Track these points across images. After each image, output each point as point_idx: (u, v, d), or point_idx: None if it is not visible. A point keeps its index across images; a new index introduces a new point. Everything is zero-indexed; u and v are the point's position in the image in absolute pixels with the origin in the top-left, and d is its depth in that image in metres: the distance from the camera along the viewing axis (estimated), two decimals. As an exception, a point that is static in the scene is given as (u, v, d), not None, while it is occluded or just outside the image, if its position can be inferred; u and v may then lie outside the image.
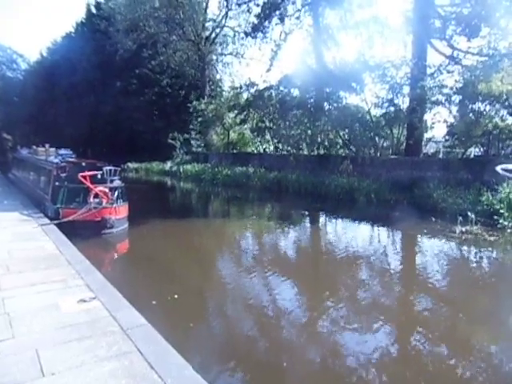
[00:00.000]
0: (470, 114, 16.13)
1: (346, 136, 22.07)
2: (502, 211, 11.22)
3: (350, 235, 11.83)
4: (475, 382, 4.14)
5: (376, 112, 20.99)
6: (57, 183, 10.75)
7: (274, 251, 10.15)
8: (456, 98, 17.35)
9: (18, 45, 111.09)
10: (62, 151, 14.85)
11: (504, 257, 9.27)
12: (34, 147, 16.45)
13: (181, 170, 29.44)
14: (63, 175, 10.93)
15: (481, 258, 9.35)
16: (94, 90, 37.93)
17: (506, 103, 14.59)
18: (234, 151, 30.44)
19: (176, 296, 6.06)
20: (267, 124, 25.95)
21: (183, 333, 5.01)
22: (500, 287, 7.27)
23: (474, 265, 8.93)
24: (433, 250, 9.79)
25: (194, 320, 5.49)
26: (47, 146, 14.59)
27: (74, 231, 8.71)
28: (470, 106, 16.32)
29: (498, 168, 2.69)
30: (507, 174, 2.74)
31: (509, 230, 10.53)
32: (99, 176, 10.59)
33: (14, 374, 2.97)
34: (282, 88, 24.67)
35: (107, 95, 36.58)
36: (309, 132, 22.84)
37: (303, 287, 7.20)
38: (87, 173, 10.24)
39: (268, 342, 5.08)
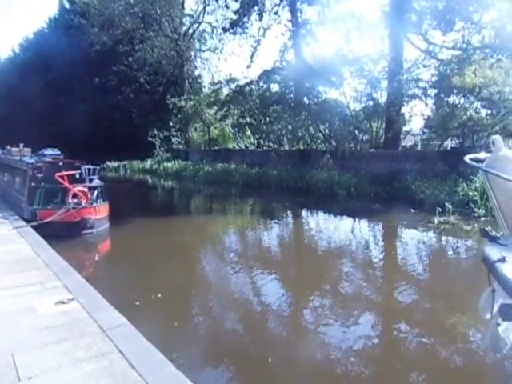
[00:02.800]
0: (446, 107, 16.48)
1: (327, 130, 22.24)
2: (475, 199, 11.55)
3: (332, 229, 11.96)
4: (453, 364, 4.26)
5: (355, 106, 21.25)
6: (33, 184, 10.45)
7: (257, 246, 10.17)
8: (432, 92, 17.72)
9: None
10: (48, 151, 13.74)
11: (478, 246, 9.51)
12: (8, 147, 15.93)
13: (161, 167, 29.13)
14: (39, 175, 10.63)
15: (457, 247, 9.60)
16: (71, 87, 37.03)
17: (480, 96, 14.95)
18: (215, 148, 30.30)
19: (160, 295, 5.99)
20: (248, 120, 25.89)
21: (168, 332, 4.97)
22: (474, 275, 7.48)
23: (451, 254, 9.15)
24: (412, 241, 10.00)
25: (178, 319, 5.45)
26: (21, 145, 14.12)
27: (52, 233, 8.49)
28: (445, 99, 16.68)
29: (466, 158, 2.78)
30: (475, 164, 2.82)
31: (483, 219, 10.82)
32: (77, 175, 10.35)
33: (-11, 380, 2.88)
34: (261, 84, 24.66)
35: (84, 93, 35.80)
36: (289, 127, 22.91)
37: (287, 281, 7.23)
38: (64, 172, 9.99)
39: (253, 337, 5.08)
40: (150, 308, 5.63)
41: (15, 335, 3.57)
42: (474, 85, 14.15)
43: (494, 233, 2.39)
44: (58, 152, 13.50)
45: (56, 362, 3.13)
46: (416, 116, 18.93)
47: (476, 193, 11.87)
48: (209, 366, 4.37)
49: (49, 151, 13.71)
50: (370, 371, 4.21)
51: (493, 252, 2.22)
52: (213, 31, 34.94)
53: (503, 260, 2.11)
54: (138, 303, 5.62)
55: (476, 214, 11.13)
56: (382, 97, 19.79)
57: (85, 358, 3.19)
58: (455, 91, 15.67)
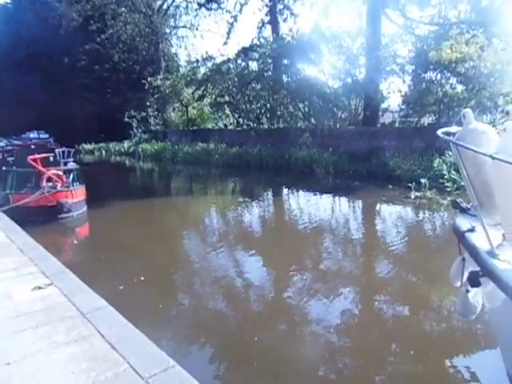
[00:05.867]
0: (423, 83, 16.62)
1: (306, 108, 22.17)
2: (445, 175, 11.83)
3: (312, 206, 12.09)
4: (431, 335, 4.45)
5: (334, 83, 21.18)
6: (4, 168, 10.12)
7: (238, 226, 10.21)
8: (409, 68, 17.81)
9: None
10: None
11: (451, 219, 9.81)
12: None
13: (139, 149, 28.58)
14: (10, 159, 10.29)
15: (432, 220, 9.90)
16: (39, 66, 35.42)
17: (455, 71, 15.12)
18: (194, 128, 29.84)
19: (142, 278, 5.97)
20: (226, 99, 25.53)
21: (153, 315, 4.98)
22: (448, 246, 7.75)
23: (426, 227, 9.43)
24: (390, 216, 10.24)
25: (162, 301, 5.46)
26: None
27: (27, 218, 8.29)
28: (422, 75, 16.81)
29: (439, 132, 2.82)
30: (446, 137, 2.87)
31: (455, 192, 11.11)
32: (51, 159, 10.07)
33: (-35, 367, 2.83)
34: (239, 61, 24.22)
35: (54, 73, 34.35)
36: (268, 105, 22.73)
37: (269, 259, 7.32)
38: (37, 156, 9.69)
39: (238, 316, 5.15)
40: (133, 292, 5.60)
41: (-9, 322, 3.50)
42: (450, 60, 14.28)
43: (464, 204, 2.45)
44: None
45: (35, 346, 3.09)
46: (394, 93, 19.09)
47: (448, 167, 12.17)
48: (194, 346, 4.42)
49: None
50: (351, 342, 4.35)
51: (463, 223, 2.29)
52: (187, 7, 33.87)
53: (472, 230, 2.18)
54: (121, 287, 5.58)
55: (449, 189, 11.42)
56: (361, 73, 19.81)
57: (64, 341, 3.16)
58: (432, 67, 15.81)
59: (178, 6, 35.03)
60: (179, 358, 3.15)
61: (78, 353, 2.99)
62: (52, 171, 9.73)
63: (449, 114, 17.19)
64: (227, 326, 4.89)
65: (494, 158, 1.89)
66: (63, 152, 10.42)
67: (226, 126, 28.89)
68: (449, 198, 10.61)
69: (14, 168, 9.99)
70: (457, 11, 17.03)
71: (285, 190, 15.00)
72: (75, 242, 9.26)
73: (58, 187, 9.67)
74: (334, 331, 4.49)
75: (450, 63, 14.54)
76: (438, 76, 16.39)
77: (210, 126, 30.07)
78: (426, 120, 19.75)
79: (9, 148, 10.66)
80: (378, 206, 11.56)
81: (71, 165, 10.65)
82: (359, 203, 12.38)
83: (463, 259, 2.26)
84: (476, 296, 2.30)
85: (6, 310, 3.74)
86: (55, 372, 2.77)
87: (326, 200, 12.96)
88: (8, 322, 3.49)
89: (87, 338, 3.20)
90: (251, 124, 24.55)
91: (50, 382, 2.67)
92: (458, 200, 2.51)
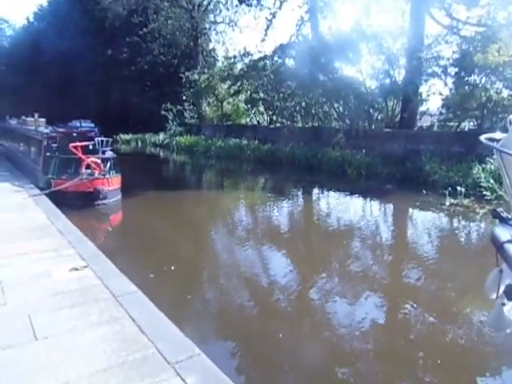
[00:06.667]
0: (466, 87, 15.96)
1: (341, 108, 21.83)
2: (482, 183, 11.29)
3: (343, 208, 11.93)
4: (460, 347, 4.31)
5: (371, 84, 20.74)
6: (48, 154, 10.62)
7: (267, 223, 10.24)
8: (452, 70, 17.15)
9: (2, 10, 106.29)
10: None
11: (486, 229, 9.38)
12: (23, 117, 16.10)
13: (174, 142, 29.12)
14: (54, 146, 10.78)
15: (467, 229, 9.52)
16: (84, 58, 36.73)
17: (502, 75, 14.42)
18: (228, 123, 30.06)
19: (173, 267, 6.10)
20: (261, 95, 25.53)
21: (182, 305, 5.11)
22: (483, 257, 7.44)
23: (460, 236, 9.09)
24: (423, 222, 9.94)
25: (191, 292, 5.59)
26: (36, 115, 14.26)
27: (66, 202, 8.69)
28: (465, 78, 16.15)
29: (482, 137, 2.70)
30: (489, 143, 2.75)
31: (495, 202, 10.62)
32: (91, 147, 10.47)
33: (7, 338, 3.03)
34: (276, 58, 24.13)
35: (97, 64, 35.51)
36: (303, 104, 22.54)
37: (296, 258, 7.31)
38: (78, 143, 10.11)
39: (263, 313, 5.18)
40: (164, 280, 5.74)
41: (32, 298, 3.72)
42: (497, 63, 13.61)
43: (505, 214, 2.36)
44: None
45: (70, 324, 3.27)
46: (434, 95, 18.44)
47: (488, 175, 11.63)
48: (219, 337, 4.49)
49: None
50: (375, 349, 4.29)
51: (502, 233, 2.21)
52: (227, 2, 34.04)
53: (512, 241, 2.10)
54: (152, 275, 5.75)
55: (488, 198, 10.93)
56: (400, 74, 19.29)
57: (97, 322, 3.32)
58: (476, 70, 15.14)
59: (218, 2, 35.31)
60: (204, 347, 3.22)
61: (109, 333, 3.14)
62: (91, 159, 10.12)
63: (492, 119, 16.42)
64: (252, 321, 4.95)
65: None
66: (102, 141, 10.79)
67: (259, 122, 28.92)
68: (486, 207, 10.16)
69: (57, 154, 10.46)
70: (506, 12, 16.18)
71: (315, 190, 14.88)
72: (109, 228, 9.61)
73: (96, 174, 10.05)
74: (358, 335, 4.44)
75: (497, 67, 13.87)
76: (483, 80, 15.67)
77: (243, 121, 30.20)
78: (467, 125, 18.96)
79: (53, 135, 11.15)
80: (410, 212, 11.26)
81: (109, 153, 11.03)
82: (391, 207, 12.09)
83: (501, 271, 2.18)
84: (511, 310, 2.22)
85: (46, 288, 3.97)
86: (88, 350, 2.92)
87: (356, 202, 12.74)
88: (47, 300, 3.70)
89: (118, 320, 3.34)
90: (285, 122, 24.44)
91: (83, 359, 2.82)
92: (498, 209, 2.42)
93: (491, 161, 12.05)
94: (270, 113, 27.03)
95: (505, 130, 2.46)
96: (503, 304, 2.17)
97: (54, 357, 2.82)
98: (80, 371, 2.66)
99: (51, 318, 3.35)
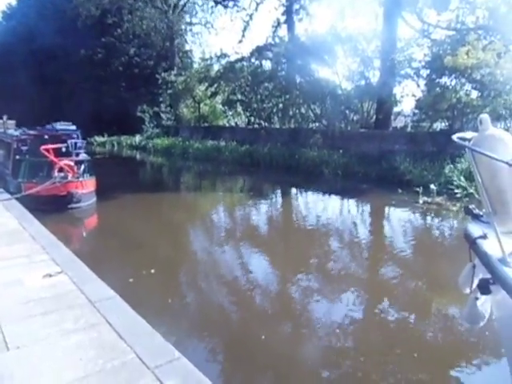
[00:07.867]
0: (437, 88, 16.43)
1: (318, 110, 22.09)
2: (454, 182, 11.67)
3: (320, 207, 12.07)
4: (435, 342, 4.43)
5: (347, 85, 21.07)
6: (17, 157, 10.27)
7: (246, 224, 10.23)
8: (424, 72, 17.63)
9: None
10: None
11: (460, 226, 9.68)
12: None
13: (150, 144, 28.73)
14: (24, 148, 10.43)
15: (440, 226, 9.81)
16: (56, 58, 35.83)
17: (471, 77, 14.92)
18: (205, 124, 29.91)
19: (152, 271, 5.99)
20: (239, 97, 25.55)
21: (163, 309, 5.02)
22: (456, 253, 7.67)
23: (433, 233, 9.35)
24: (398, 220, 10.17)
25: (172, 295, 5.52)
26: (5, 117, 13.74)
27: (38, 206, 8.41)
28: (436, 80, 16.62)
29: (454, 136, 2.80)
30: (461, 143, 2.85)
31: (466, 199, 10.96)
32: (64, 149, 10.19)
33: (-23, 349, 2.90)
34: (253, 60, 24.22)
35: (70, 64, 34.68)
36: (280, 105, 22.69)
37: (275, 258, 7.33)
38: (50, 146, 9.81)
39: (245, 314, 5.16)
40: (144, 285, 5.64)
41: (3, 306, 3.57)
42: (466, 66, 14.08)
43: (477, 211, 2.44)
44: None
45: (44, 332, 3.15)
46: (407, 97, 18.91)
47: (459, 174, 12.03)
48: (200, 340, 4.42)
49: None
50: (354, 345, 4.36)
51: (475, 229, 2.28)
52: (203, 4, 33.95)
53: (484, 237, 2.17)
54: (131, 280, 5.63)
55: (459, 195, 11.29)
56: (375, 76, 19.67)
57: (73, 329, 3.22)
58: (447, 72, 15.60)
59: (194, 3, 35.15)
60: (184, 351, 3.17)
61: (85, 340, 3.05)
62: (64, 161, 9.85)
63: (462, 120, 16.96)
64: (234, 323, 4.93)
65: (510, 165, 1.88)
66: (75, 143, 10.52)
67: (237, 124, 28.91)
68: (458, 205, 10.49)
69: (27, 157, 10.13)
70: (475, 17, 16.79)
71: (293, 190, 14.99)
72: (85, 232, 9.38)
73: (69, 177, 9.78)
74: (336, 332, 4.49)
75: (466, 69, 14.34)
76: (453, 81, 16.18)
77: (221, 123, 30.11)
78: (439, 125, 19.54)
79: (23, 137, 10.78)
80: (386, 210, 11.49)
81: (83, 156, 10.77)
82: (367, 206, 12.32)
83: (473, 266, 2.25)
84: (484, 304, 2.29)
85: (17, 295, 3.82)
86: (63, 358, 2.83)
87: (334, 201, 12.91)
88: (19, 308, 3.56)
89: (95, 327, 3.25)
90: (262, 123, 24.53)
91: (58, 367, 2.72)
92: (470, 206, 2.49)
93: (462, 160, 12.46)
94: (248, 114, 27.08)
95: (476, 129, 2.54)
96: (476, 298, 2.24)
97: (27, 367, 2.72)
98: (55, 381, 2.57)
99: (24, 327, 3.23)
